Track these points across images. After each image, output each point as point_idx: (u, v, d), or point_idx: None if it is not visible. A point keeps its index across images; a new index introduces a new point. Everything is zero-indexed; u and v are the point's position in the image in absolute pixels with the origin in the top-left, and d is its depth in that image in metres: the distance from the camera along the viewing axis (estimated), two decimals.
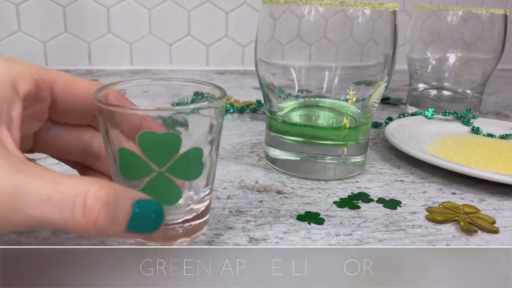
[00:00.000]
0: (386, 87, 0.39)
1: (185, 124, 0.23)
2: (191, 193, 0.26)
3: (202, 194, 0.26)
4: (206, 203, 0.27)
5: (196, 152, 0.24)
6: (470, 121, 0.55)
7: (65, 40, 0.83)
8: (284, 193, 0.37)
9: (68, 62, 0.84)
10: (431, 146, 0.47)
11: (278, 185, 0.38)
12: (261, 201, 0.35)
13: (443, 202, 0.36)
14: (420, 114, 0.56)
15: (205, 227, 0.28)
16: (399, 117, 0.57)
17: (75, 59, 0.84)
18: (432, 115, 0.55)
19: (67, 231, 0.21)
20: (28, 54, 0.82)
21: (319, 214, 0.33)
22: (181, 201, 0.25)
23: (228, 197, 0.35)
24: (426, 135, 0.50)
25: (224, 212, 0.33)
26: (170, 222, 0.25)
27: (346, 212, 0.34)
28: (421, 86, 0.65)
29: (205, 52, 0.91)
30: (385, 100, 0.70)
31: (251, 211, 0.33)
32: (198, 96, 0.29)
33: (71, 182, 0.19)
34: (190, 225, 0.26)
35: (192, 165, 0.24)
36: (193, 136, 0.23)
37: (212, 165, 0.26)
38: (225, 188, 0.37)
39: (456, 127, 0.54)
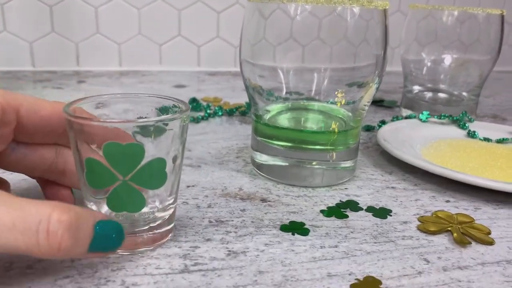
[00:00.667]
0: (377, 88, 0.38)
1: (149, 135, 0.24)
2: (156, 201, 0.27)
3: (166, 203, 0.27)
4: (170, 211, 0.28)
5: (159, 162, 0.25)
6: (466, 125, 0.53)
7: (52, 40, 0.81)
8: (269, 201, 0.35)
9: (55, 63, 0.82)
10: (425, 150, 0.45)
11: (263, 192, 0.36)
12: (243, 210, 0.33)
13: (436, 211, 0.34)
14: (415, 117, 0.55)
15: (170, 235, 0.29)
16: (392, 120, 0.55)
17: (63, 59, 0.82)
18: (426, 118, 0.53)
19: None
20: (14, 55, 0.80)
21: (304, 224, 0.31)
22: (146, 209, 0.26)
23: (209, 206, 0.33)
24: (420, 139, 0.48)
25: (203, 222, 0.31)
26: (136, 230, 0.26)
27: (333, 222, 0.32)
28: (416, 88, 0.63)
29: (196, 53, 0.89)
30: (379, 103, 0.69)
31: (232, 220, 0.31)
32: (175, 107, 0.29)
33: (35, 208, 0.20)
34: (155, 233, 0.27)
35: (155, 174, 0.25)
36: (157, 147, 0.25)
37: (176, 175, 0.27)
38: (207, 196, 0.35)
39: (451, 131, 0.52)
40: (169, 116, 0.25)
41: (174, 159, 0.26)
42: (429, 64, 0.61)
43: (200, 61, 0.90)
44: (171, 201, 0.27)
